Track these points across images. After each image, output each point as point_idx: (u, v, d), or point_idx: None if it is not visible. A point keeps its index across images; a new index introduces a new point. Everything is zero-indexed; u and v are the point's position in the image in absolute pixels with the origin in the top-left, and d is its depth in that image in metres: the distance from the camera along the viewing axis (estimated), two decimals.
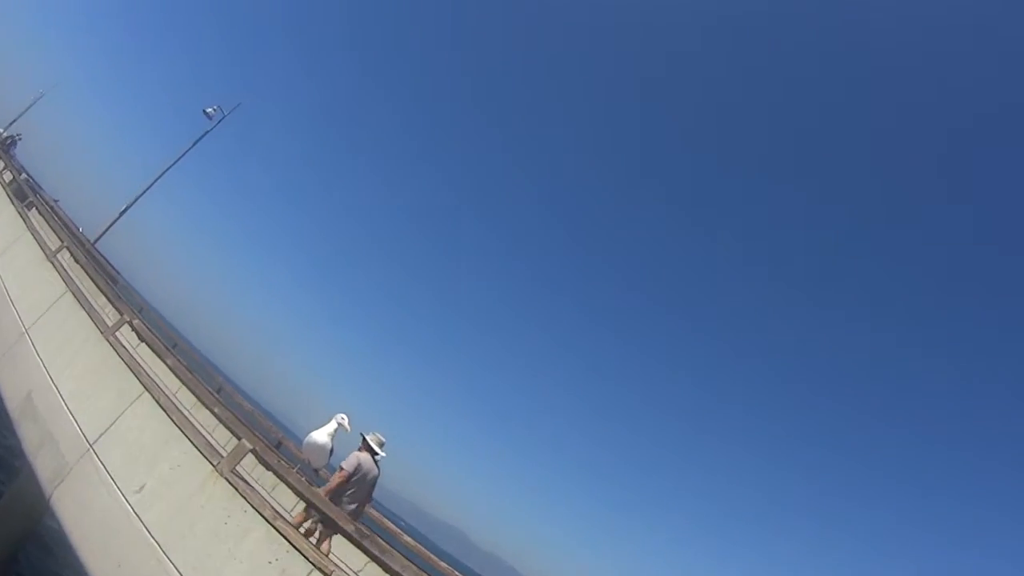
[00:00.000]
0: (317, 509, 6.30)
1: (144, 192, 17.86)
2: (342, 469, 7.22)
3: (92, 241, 16.57)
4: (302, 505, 7.18)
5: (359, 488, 7.25)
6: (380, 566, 5.72)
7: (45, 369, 9.25)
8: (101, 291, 10.40)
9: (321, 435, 7.27)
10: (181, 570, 6.35)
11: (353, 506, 7.14)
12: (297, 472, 7.03)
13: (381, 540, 5.90)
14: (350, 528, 5.80)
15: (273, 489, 8.50)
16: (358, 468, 7.24)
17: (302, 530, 6.54)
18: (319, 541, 6.58)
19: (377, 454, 7.44)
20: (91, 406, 8.25)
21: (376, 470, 7.48)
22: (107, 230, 17.48)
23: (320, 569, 5.62)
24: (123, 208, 17.41)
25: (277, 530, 5.99)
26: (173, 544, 6.51)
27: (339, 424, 7.22)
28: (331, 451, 7.27)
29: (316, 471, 7.14)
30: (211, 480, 6.62)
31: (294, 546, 5.83)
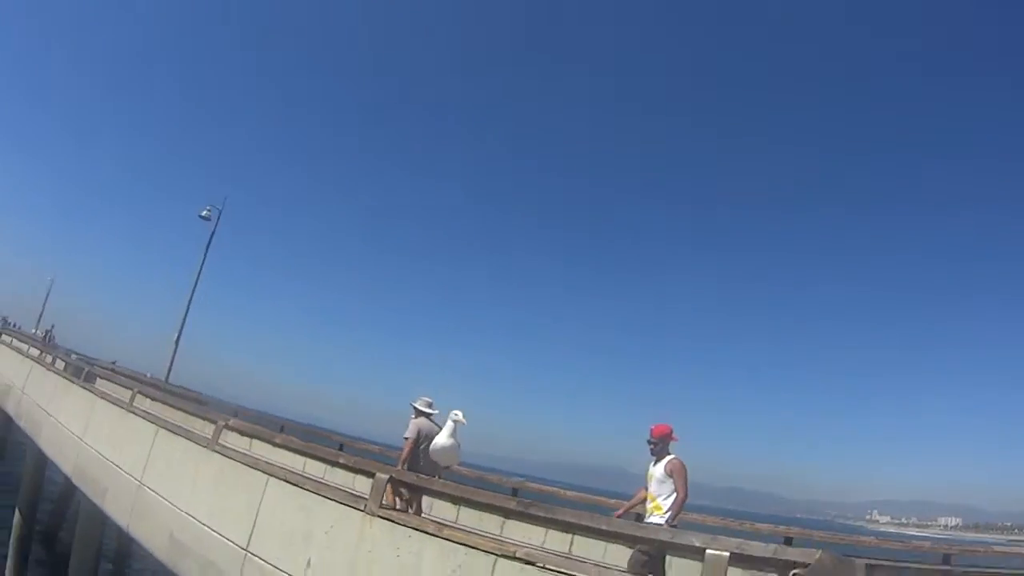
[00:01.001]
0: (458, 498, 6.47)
1: (186, 314, 18.26)
2: (406, 439, 8.11)
3: (165, 379, 16.98)
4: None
5: (427, 450, 7.94)
6: (557, 527, 5.62)
7: (173, 505, 9.38)
8: (189, 413, 10.57)
9: (444, 437, 7.46)
10: None
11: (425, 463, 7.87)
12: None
13: (543, 504, 5.81)
14: (513, 505, 5.72)
15: (431, 507, 8.57)
16: (419, 432, 8.10)
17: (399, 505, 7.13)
18: (415, 509, 7.43)
19: (431, 414, 8.26)
20: (230, 515, 8.31)
21: (436, 427, 8.18)
22: (172, 363, 17.89)
23: (503, 556, 5.53)
24: (175, 336, 17.82)
25: (447, 539, 5.93)
26: None
27: (455, 421, 7.37)
28: (459, 447, 7.50)
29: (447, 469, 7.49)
30: (366, 524, 6.59)
31: (469, 546, 5.74)
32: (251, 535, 7.94)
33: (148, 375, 16.87)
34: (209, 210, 19.26)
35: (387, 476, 6.53)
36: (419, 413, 8.22)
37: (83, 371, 14.70)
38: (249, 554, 7.90)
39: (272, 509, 7.76)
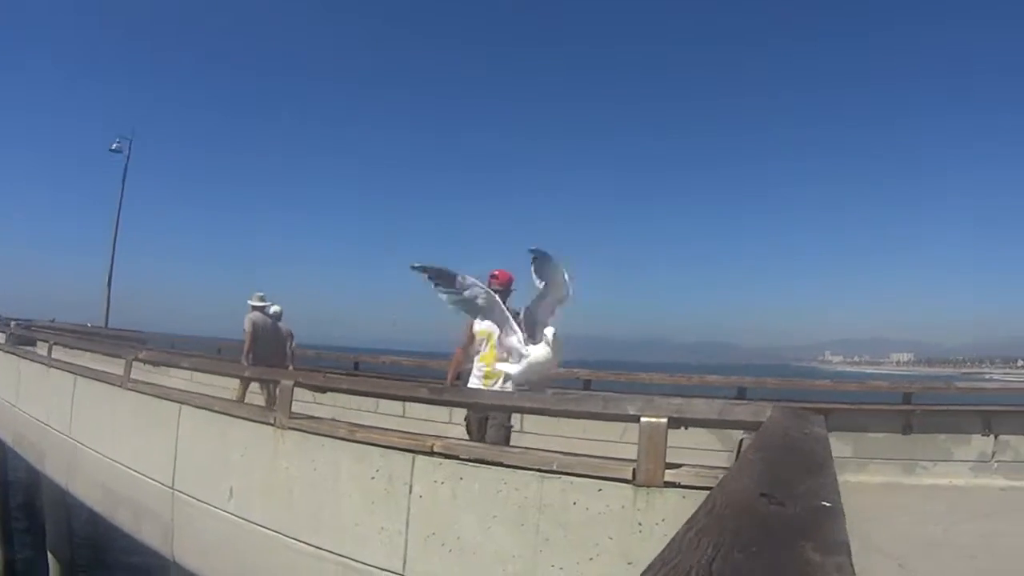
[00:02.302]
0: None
1: (114, 254, 17.60)
2: (245, 333, 9.15)
3: (104, 325, 16.35)
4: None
5: (265, 340, 9.17)
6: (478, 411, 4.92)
7: (100, 454, 8.68)
8: (103, 354, 9.81)
9: (543, 352, 5.40)
10: (309, 541, 5.62)
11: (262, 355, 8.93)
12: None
13: (458, 389, 5.12)
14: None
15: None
16: (255, 325, 9.08)
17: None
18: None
19: (264, 307, 9.37)
20: (152, 454, 7.59)
21: (269, 319, 9.54)
22: (108, 308, 17.22)
23: (421, 452, 4.85)
24: (107, 279, 17.21)
25: (362, 442, 5.23)
26: (286, 521, 5.76)
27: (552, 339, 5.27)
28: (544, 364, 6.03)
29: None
30: (279, 439, 5.82)
31: (385, 446, 5.05)
32: (174, 471, 7.22)
33: (89, 324, 16.18)
34: (119, 142, 18.35)
35: (292, 382, 5.74)
36: (253, 308, 9.12)
37: (19, 339, 13.92)
38: (176, 492, 7.21)
39: (189, 440, 7.03)
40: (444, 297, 5.23)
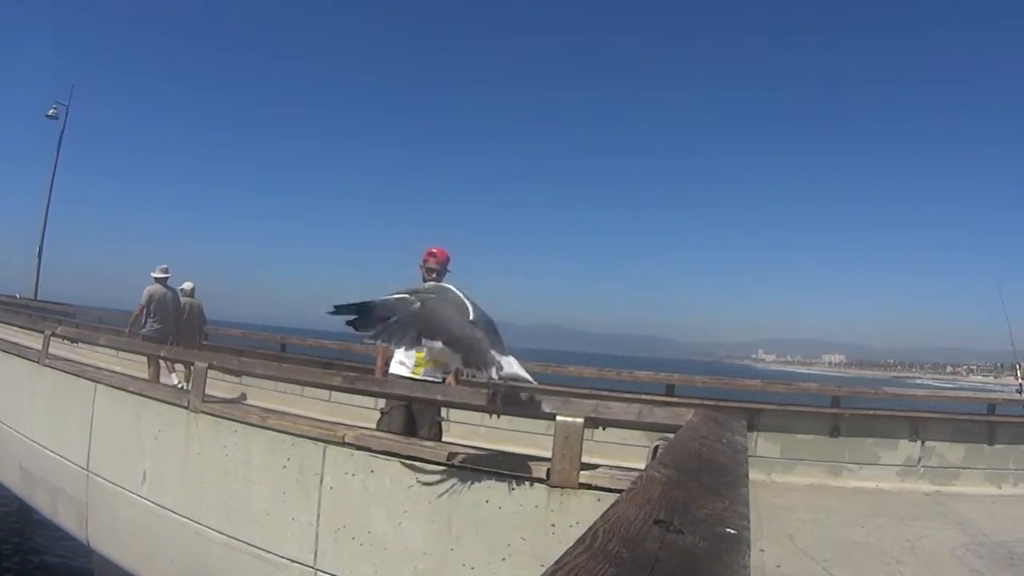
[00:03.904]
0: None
1: (45, 224, 17.03)
2: (138, 304, 8.90)
3: (34, 296, 15.85)
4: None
5: (162, 311, 8.86)
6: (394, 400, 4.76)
7: (18, 433, 8.33)
8: (20, 327, 9.40)
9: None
10: (219, 529, 5.40)
11: (159, 327, 8.70)
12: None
13: (371, 379, 4.95)
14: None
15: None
16: (150, 297, 8.85)
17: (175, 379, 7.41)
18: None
19: (165, 278, 9.13)
20: (68, 434, 7.29)
21: (169, 292, 9.22)
22: (38, 279, 16.73)
23: (332, 442, 4.68)
24: (37, 250, 16.64)
25: (273, 429, 5.03)
26: (198, 508, 5.55)
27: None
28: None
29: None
30: (192, 423, 5.58)
31: (297, 435, 4.86)
32: (89, 453, 6.94)
33: (18, 296, 15.65)
34: (55, 108, 17.70)
35: (206, 364, 5.51)
36: (155, 280, 8.93)
37: None
38: (91, 474, 6.94)
39: (104, 420, 6.74)
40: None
